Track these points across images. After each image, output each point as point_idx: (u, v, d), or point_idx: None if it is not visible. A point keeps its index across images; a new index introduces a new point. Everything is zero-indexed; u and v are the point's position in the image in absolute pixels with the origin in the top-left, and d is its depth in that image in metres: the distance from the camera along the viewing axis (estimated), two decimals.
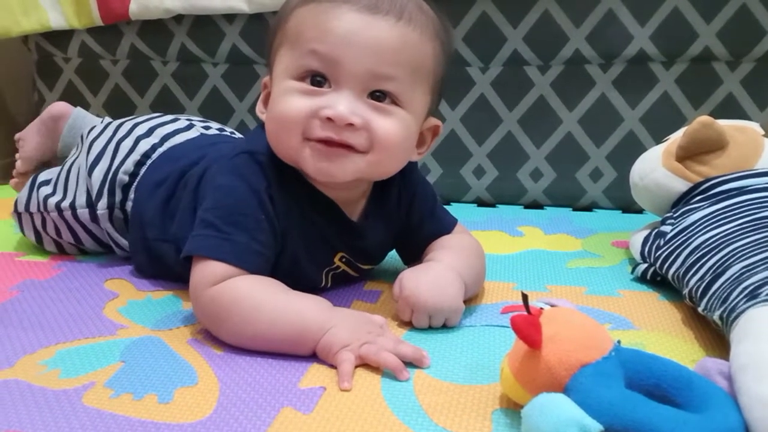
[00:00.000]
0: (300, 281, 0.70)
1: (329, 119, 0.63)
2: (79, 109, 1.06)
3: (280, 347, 0.62)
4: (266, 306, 0.63)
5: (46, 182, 0.93)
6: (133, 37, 1.32)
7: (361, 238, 0.75)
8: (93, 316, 0.73)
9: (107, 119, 1.03)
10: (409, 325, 0.69)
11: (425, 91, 0.69)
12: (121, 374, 0.60)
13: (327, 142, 0.64)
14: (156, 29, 1.30)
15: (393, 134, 0.66)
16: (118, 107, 1.37)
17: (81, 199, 0.87)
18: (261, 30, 1.21)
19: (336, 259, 0.75)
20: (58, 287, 0.81)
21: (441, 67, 0.70)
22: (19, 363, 0.62)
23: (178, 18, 1.27)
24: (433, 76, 0.69)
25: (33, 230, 0.93)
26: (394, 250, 0.83)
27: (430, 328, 0.68)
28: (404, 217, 0.78)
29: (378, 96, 0.65)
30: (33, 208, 0.91)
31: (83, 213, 0.87)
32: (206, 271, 0.65)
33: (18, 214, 0.94)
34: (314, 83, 0.65)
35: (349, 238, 0.74)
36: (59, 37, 1.36)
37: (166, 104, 1.34)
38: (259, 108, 0.72)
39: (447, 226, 0.80)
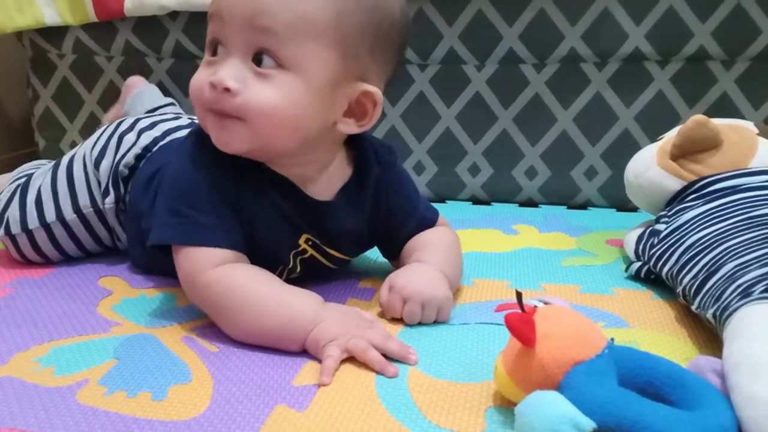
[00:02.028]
0: (263, 260, 0.69)
1: (213, 85, 0.63)
2: (150, 88, 1.22)
3: (270, 340, 0.63)
4: (256, 298, 0.63)
5: (39, 192, 0.87)
6: (128, 34, 1.31)
7: (325, 218, 0.73)
8: (87, 313, 0.73)
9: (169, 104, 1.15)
10: (402, 322, 0.69)
11: (322, 48, 0.63)
12: (114, 371, 0.60)
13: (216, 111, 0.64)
14: (151, 26, 1.29)
15: (270, 103, 0.62)
16: (113, 104, 1.37)
17: (98, 195, 0.86)
18: None
19: (301, 242, 0.74)
20: (52, 284, 0.81)
21: (353, 21, 0.64)
22: (13, 360, 0.62)
23: (173, 14, 1.27)
24: (334, 31, 0.63)
25: (34, 249, 0.87)
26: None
27: (421, 324, 0.68)
28: (384, 212, 0.77)
29: (260, 59, 0.63)
30: (33, 224, 0.86)
31: (111, 209, 0.85)
32: (192, 257, 0.65)
33: (11, 237, 0.87)
34: (213, 53, 0.65)
35: (312, 218, 0.72)
36: (53, 34, 1.35)
37: None
38: None
39: (430, 221, 0.80)
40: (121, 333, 0.68)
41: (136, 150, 0.85)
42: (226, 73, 0.62)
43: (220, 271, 0.64)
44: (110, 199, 0.85)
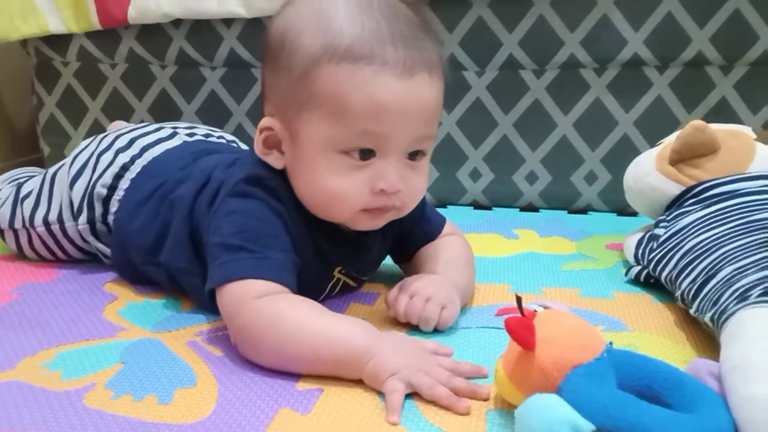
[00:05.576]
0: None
1: (382, 190, 0.65)
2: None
3: (323, 370, 0.59)
4: (309, 326, 0.60)
5: (28, 195, 0.91)
6: (132, 42, 1.32)
7: (359, 250, 0.75)
8: (93, 318, 0.74)
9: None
10: (406, 328, 0.69)
11: None
12: (121, 375, 0.60)
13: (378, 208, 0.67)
14: (154, 33, 1.30)
15: (422, 189, 0.70)
16: (117, 111, 1.38)
17: (67, 213, 0.87)
18: (259, 34, 1.20)
19: (336, 273, 0.75)
20: (58, 290, 0.82)
21: None
22: (21, 365, 0.63)
23: (177, 22, 1.28)
24: None
25: (17, 246, 0.93)
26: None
27: (423, 332, 0.69)
28: (398, 221, 0.77)
29: (414, 155, 0.67)
30: (18, 224, 0.91)
31: (71, 227, 0.87)
32: (247, 288, 0.62)
33: (0, 231, 0.93)
34: (362, 156, 0.64)
35: (348, 252, 0.74)
36: (58, 42, 1.36)
37: (165, 108, 1.35)
38: (260, 150, 0.69)
39: (437, 227, 0.81)
40: (127, 338, 0.68)
41: (114, 169, 0.85)
42: (395, 178, 0.65)
43: (267, 298, 0.62)
44: (83, 219, 0.85)
